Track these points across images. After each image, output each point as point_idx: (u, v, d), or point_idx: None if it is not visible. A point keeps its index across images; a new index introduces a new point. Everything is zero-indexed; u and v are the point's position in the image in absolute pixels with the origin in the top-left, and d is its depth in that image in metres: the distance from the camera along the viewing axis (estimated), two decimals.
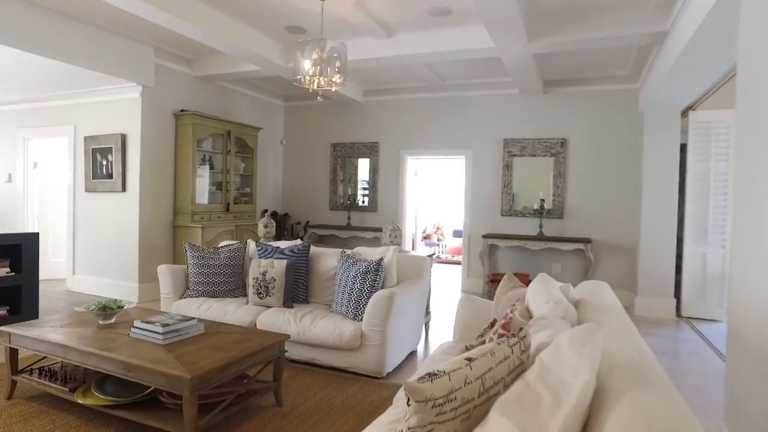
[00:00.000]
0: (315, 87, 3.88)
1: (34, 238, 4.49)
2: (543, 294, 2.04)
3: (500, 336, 1.84)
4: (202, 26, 4.33)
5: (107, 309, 3.00)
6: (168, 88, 5.71)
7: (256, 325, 3.66)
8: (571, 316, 1.86)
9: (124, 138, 5.52)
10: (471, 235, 6.71)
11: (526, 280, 5.83)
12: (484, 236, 6.20)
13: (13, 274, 4.36)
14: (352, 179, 7.57)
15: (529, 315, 2.10)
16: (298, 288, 4.01)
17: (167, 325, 2.70)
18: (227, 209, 6.33)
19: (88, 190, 5.82)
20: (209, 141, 6.16)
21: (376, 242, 7.08)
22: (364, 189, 7.43)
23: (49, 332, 2.81)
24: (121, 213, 5.60)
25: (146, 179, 5.51)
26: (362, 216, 7.37)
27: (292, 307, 3.85)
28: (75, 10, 4.51)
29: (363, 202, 7.41)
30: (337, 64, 3.88)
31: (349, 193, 7.51)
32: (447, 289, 6.87)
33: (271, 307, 3.84)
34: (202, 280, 4.14)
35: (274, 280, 3.86)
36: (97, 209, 5.81)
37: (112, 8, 4.33)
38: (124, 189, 5.55)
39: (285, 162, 8.00)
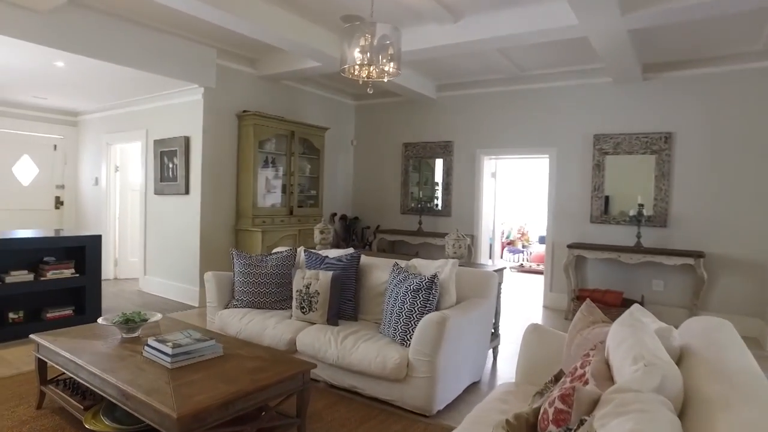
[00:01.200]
0: (365, 78, 3.45)
1: (96, 240, 4.53)
2: (631, 345, 1.42)
3: (556, 419, 1.25)
4: (256, 22, 4.10)
5: (130, 322, 2.79)
6: (231, 88, 5.62)
7: (295, 343, 3.30)
8: (672, 388, 1.23)
9: (187, 140, 5.50)
10: (555, 243, 5.90)
11: (619, 299, 4.95)
12: (570, 246, 5.39)
13: (78, 275, 4.43)
14: (424, 181, 7.07)
15: (608, 373, 1.48)
16: (346, 303, 3.60)
17: (179, 345, 2.40)
18: (291, 213, 6.13)
19: (156, 192, 5.90)
20: (272, 142, 6.00)
21: (441, 249, 6.50)
22: (437, 192, 6.89)
23: (67, 344, 2.64)
24: (184, 216, 5.59)
25: (207, 182, 5.44)
26: (434, 221, 6.84)
27: (337, 324, 3.45)
28: (138, 15, 4.49)
29: (436, 205, 6.87)
30: (390, 51, 3.41)
31: (420, 196, 7.01)
32: (527, 304, 6.12)
33: (314, 323, 3.47)
34: (247, 289, 3.88)
35: (318, 293, 3.48)
36: (164, 211, 5.87)
37: (173, 12, 4.25)
38: (187, 191, 5.53)
39: (356, 163, 7.70)
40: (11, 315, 4.10)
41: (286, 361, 2.48)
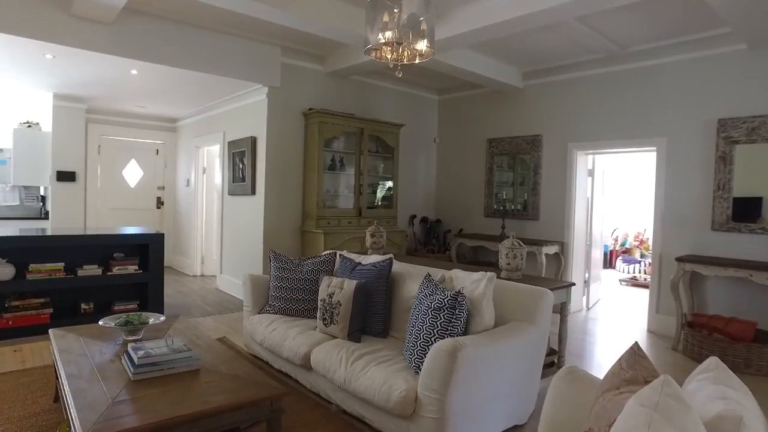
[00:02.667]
0: (395, 60, 3.00)
1: (159, 238, 4.68)
2: None
3: None
4: (316, 18, 3.93)
5: (129, 324, 2.69)
6: (297, 87, 5.50)
7: (310, 358, 2.97)
8: None
9: (253, 141, 5.51)
10: (663, 255, 4.81)
11: (749, 332, 3.82)
12: (680, 259, 4.32)
13: (141, 271, 4.61)
14: (509, 181, 6.32)
15: None
16: (374, 316, 3.17)
17: (149, 356, 2.20)
18: (360, 214, 5.85)
19: (230, 193, 6.03)
20: (340, 141, 5.77)
21: (530, 258, 5.71)
22: (524, 193, 6.10)
23: (68, 343, 2.61)
24: (252, 216, 5.60)
25: (272, 182, 5.38)
26: (520, 225, 6.07)
27: (359, 340, 3.04)
28: (198, 18, 4.54)
29: (522, 208, 6.09)
30: (423, 27, 2.92)
31: (504, 197, 6.28)
32: (628, 327, 5.09)
33: (335, 337, 3.10)
34: (280, 294, 3.65)
35: (340, 304, 3.11)
36: (237, 212, 5.97)
37: (234, 13, 4.21)
38: (253, 192, 5.53)
39: (439, 162, 7.20)
40: (83, 306, 4.37)
41: (259, 384, 2.15)
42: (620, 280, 8.01)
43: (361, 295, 3.11)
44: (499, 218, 6.25)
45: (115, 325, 2.69)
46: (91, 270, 4.34)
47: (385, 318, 3.18)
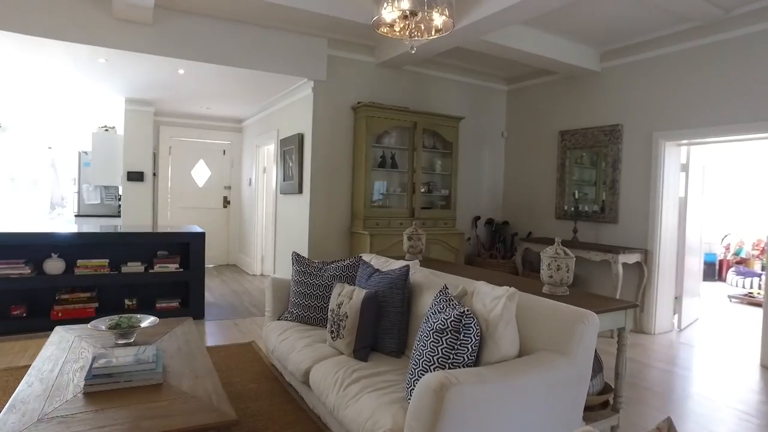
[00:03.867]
0: (406, 35, 2.57)
1: (200, 237, 4.65)
2: None
3: None
4: (358, 4, 3.64)
5: (118, 327, 2.55)
6: (345, 80, 5.23)
7: (309, 375, 2.65)
8: None
9: (300, 138, 5.33)
10: None
11: None
12: None
13: (182, 270, 4.61)
14: (583, 178, 5.54)
15: None
16: (387, 332, 2.77)
17: (105, 366, 2.01)
18: (412, 215, 5.44)
19: (282, 192, 5.93)
20: (391, 136, 5.41)
21: (605, 267, 4.91)
22: (601, 192, 5.29)
23: (57, 342, 2.53)
24: (299, 216, 5.44)
25: (318, 180, 5.16)
26: (596, 228, 5.27)
27: (366, 359, 2.65)
28: (239, 14, 4.43)
29: (598, 209, 5.29)
30: None
31: (577, 196, 5.50)
32: (735, 358, 4.15)
33: (341, 353, 2.75)
34: (298, 301, 3.38)
35: (346, 317, 2.75)
36: (287, 212, 5.85)
37: (276, 6, 4.05)
38: (300, 191, 5.36)
39: (507, 158, 6.55)
40: (127, 301, 4.46)
41: (209, 410, 1.85)
42: (730, 297, 6.75)
43: (370, 307, 2.72)
44: (571, 221, 5.49)
45: (106, 328, 2.57)
46: (135, 267, 4.41)
47: (399, 334, 2.76)
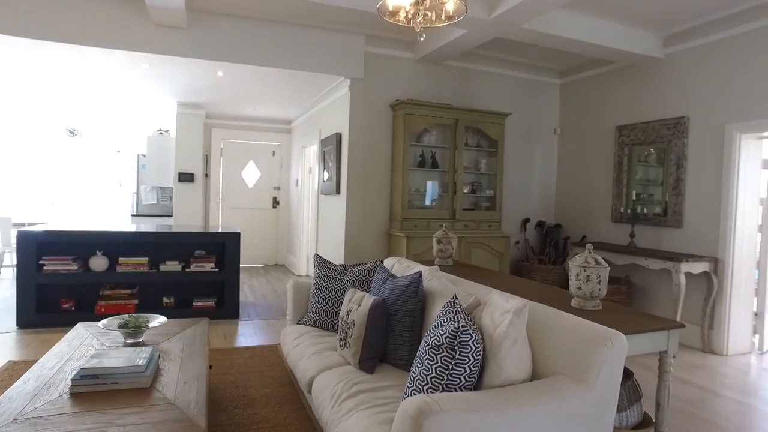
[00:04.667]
0: (418, 21, 2.37)
1: (235, 237, 4.69)
2: None
3: None
4: None
5: (127, 326, 2.56)
6: (383, 77, 5.08)
7: (312, 385, 2.52)
8: None
9: (338, 138, 5.25)
10: None
11: None
12: None
13: (217, 269, 4.66)
14: (643, 178, 5.01)
15: None
16: (398, 343, 2.58)
17: (94, 367, 1.99)
18: (453, 216, 5.19)
19: (322, 192, 5.88)
20: (431, 134, 5.19)
21: (665, 276, 4.40)
22: (663, 193, 4.76)
23: (72, 337, 2.58)
24: (337, 217, 5.36)
25: (355, 180, 5.05)
26: (656, 233, 4.75)
27: (372, 371, 2.48)
28: (270, 14, 4.43)
29: (661, 211, 4.75)
30: None
31: (635, 197, 4.98)
32: None
33: (347, 363, 2.60)
34: (317, 305, 3.27)
35: (354, 325, 2.59)
36: (326, 212, 5.79)
37: (315, 4, 4.00)
38: (338, 191, 5.27)
39: (560, 157, 6.11)
40: (165, 299, 4.58)
41: (182, 421, 1.76)
42: None
43: (377, 315, 2.55)
44: (629, 224, 4.98)
45: (118, 327, 2.58)
46: (172, 266, 4.51)
47: (411, 346, 2.56)
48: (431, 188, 5.21)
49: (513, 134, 5.71)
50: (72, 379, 1.95)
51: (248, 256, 7.78)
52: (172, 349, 2.54)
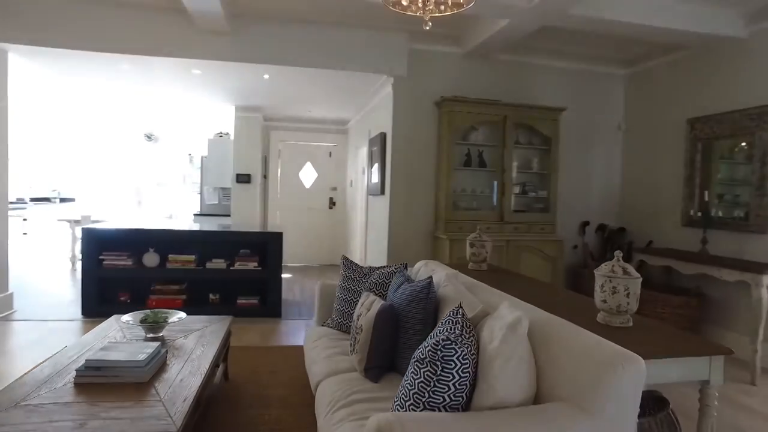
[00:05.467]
0: (428, 9, 2.22)
1: (277, 237, 4.75)
2: None
3: None
4: None
5: (146, 321, 2.65)
6: (428, 74, 4.93)
7: (315, 391, 2.45)
8: None
9: (383, 137, 5.17)
10: None
11: None
12: None
13: (260, 268, 4.76)
14: (719, 175, 4.43)
15: None
16: (406, 351, 2.43)
17: (98, 359, 2.07)
18: (501, 218, 4.92)
19: (369, 193, 5.83)
20: (479, 132, 4.95)
21: (743, 289, 3.83)
22: (746, 193, 4.17)
23: (101, 329, 2.72)
24: (382, 218, 5.28)
25: (399, 180, 4.94)
26: (735, 240, 4.17)
27: (377, 380, 2.37)
28: (318, 15, 4.44)
29: (742, 215, 4.17)
30: None
31: (709, 199, 4.41)
32: None
33: (354, 370, 2.50)
34: (340, 307, 3.21)
35: (362, 330, 2.49)
36: (373, 213, 5.74)
37: (357, 3, 4.00)
38: (382, 192, 5.19)
39: (625, 155, 5.59)
40: (211, 296, 4.75)
41: (158, 419, 1.76)
42: None
43: (385, 321, 2.42)
44: (701, 229, 4.42)
45: (139, 321, 2.68)
46: (218, 264, 4.67)
47: None
48: (463, 188, 4.97)
49: (570, 131, 5.30)
50: (76, 370, 2.04)
51: (305, 255, 7.94)
52: (187, 345, 2.59)
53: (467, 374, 1.65)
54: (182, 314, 2.81)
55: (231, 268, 4.69)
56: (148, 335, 2.67)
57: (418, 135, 4.94)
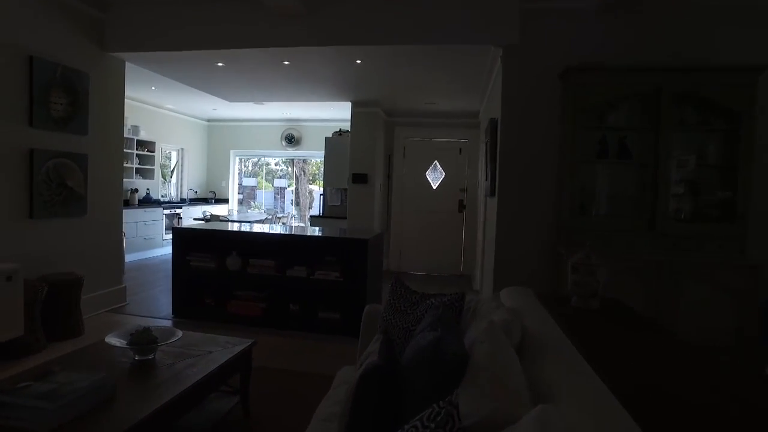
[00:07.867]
0: None
1: (361, 244, 4.17)
2: None
3: None
4: None
5: (134, 343, 2.27)
6: (546, 39, 3.78)
7: None
8: None
9: (494, 124, 4.16)
10: None
11: None
12: None
13: (342, 279, 4.20)
14: None
15: None
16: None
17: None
18: (652, 227, 3.53)
19: (486, 194, 4.84)
20: (620, 111, 3.64)
21: None
22: None
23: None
24: (491, 226, 4.27)
25: (509, 178, 3.91)
26: None
27: None
28: None
29: None
30: None
31: None
32: None
33: None
34: None
35: (345, 398, 1.69)
36: (488, 217, 4.73)
37: None
38: (493, 193, 4.20)
39: None
40: (291, 306, 4.36)
41: None
42: None
43: (368, 391, 1.57)
44: None
45: (127, 343, 2.32)
46: (299, 271, 4.26)
47: None
48: (599, 187, 3.64)
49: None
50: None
51: (428, 263, 7.23)
52: (163, 375, 2.14)
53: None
54: (179, 332, 2.39)
55: (311, 277, 4.24)
56: (136, 357, 2.30)
57: (534, 118, 3.83)
